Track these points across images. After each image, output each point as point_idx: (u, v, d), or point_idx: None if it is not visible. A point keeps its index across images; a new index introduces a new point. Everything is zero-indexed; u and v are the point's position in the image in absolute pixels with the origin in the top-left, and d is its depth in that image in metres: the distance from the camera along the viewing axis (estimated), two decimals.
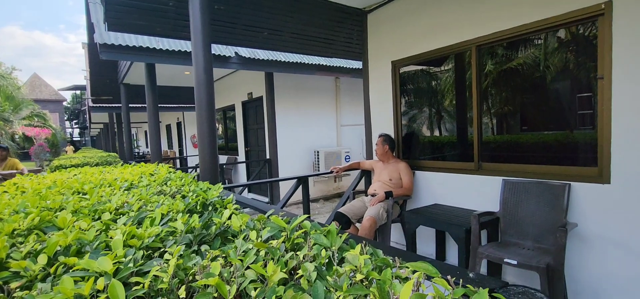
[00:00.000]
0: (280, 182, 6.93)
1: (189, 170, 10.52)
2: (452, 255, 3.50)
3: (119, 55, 4.96)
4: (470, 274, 1.05)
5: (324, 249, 0.95)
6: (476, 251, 2.66)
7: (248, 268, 0.85)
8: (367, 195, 3.86)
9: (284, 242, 1.08)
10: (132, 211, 1.54)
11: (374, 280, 0.75)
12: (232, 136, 9.39)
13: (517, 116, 3.52)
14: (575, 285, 2.59)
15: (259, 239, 1.07)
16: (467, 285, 0.70)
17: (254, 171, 7.95)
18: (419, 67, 4.11)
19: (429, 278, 0.80)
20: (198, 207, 1.62)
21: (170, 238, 1.18)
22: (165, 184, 2.40)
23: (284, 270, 0.83)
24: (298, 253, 0.93)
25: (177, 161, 13.47)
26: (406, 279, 0.79)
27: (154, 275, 0.82)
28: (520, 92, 3.36)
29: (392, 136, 3.98)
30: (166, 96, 10.39)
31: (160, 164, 3.80)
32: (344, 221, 3.52)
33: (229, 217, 1.32)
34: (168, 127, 16.95)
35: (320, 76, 7.36)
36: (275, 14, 3.95)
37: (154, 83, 5.90)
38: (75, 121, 46.30)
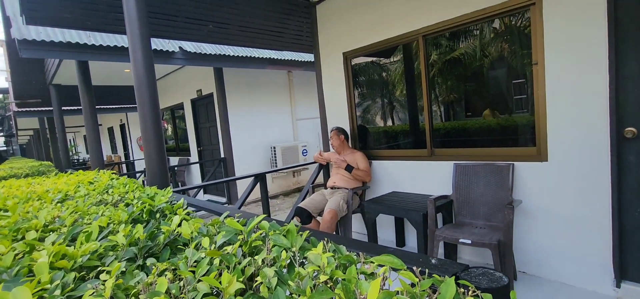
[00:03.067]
0: (237, 181, 6.71)
1: (137, 175, 9.84)
2: (412, 240, 3.62)
3: (43, 52, 4.42)
4: (433, 260, 1.04)
5: (284, 251, 0.89)
6: (434, 234, 2.76)
7: (200, 280, 0.76)
8: (326, 188, 3.84)
9: (241, 246, 1.01)
10: (65, 226, 1.36)
11: (339, 280, 0.71)
12: (182, 136, 8.91)
13: (462, 102, 3.71)
14: (522, 257, 2.79)
15: (213, 246, 0.98)
16: (433, 275, 0.68)
17: (209, 171, 7.62)
18: (370, 59, 4.16)
19: (394, 270, 0.77)
20: (144, 216, 1.48)
21: (111, 253, 1.05)
22: (107, 192, 2.18)
23: (241, 279, 0.76)
24: (256, 257, 0.86)
25: (123, 166, 12.53)
26: (372, 275, 0.75)
27: None
28: (463, 80, 3.54)
29: (347, 127, 4.00)
30: (106, 97, 9.57)
31: (101, 170, 3.47)
32: (305, 216, 3.48)
33: (179, 224, 1.21)
34: (110, 130, 15.70)
35: (272, 70, 7.21)
36: (220, 6, 3.75)
37: (89, 83, 5.38)
38: None
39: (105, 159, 15.21)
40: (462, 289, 0.65)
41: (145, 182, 6.92)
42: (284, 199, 7.49)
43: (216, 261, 0.86)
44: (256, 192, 3.97)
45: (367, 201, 3.53)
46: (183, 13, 3.73)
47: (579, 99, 2.38)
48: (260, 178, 3.80)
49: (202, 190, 8.08)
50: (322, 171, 4.32)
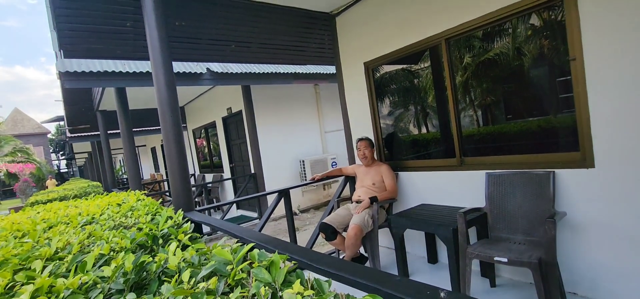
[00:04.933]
0: (267, 196, 6.74)
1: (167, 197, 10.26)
2: (444, 256, 3.38)
3: (83, 82, 4.76)
4: (441, 294, 0.91)
5: (263, 287, 0.81)
6: (465, 252, 2.53)
7: None
8: (351, 202, 3.72)
9: (226, 277, 0.94)
10: (71, 254, 1.38)
11: None
12: (216, 154, 9.19)
13: (500, 105, 3.43)
14: (571, 276, 2.48)
15: (194, 279, 0.92)
16: None
17: (240, 187, 7.75)
18: (398, 66, 4.01)
19: None
20: (149, 242, 1.46)
21: (99, 286, 1.02)
22: (127, 215, 2.23)
23: None
24: (231, 295, 0.79)
25: (165, 183, 13.17)
26: None
27: None
28: (501, 82, 3.27)
29: (372, 137, 3.86)
30: (148, 119, 10.14)
31: (133, 191, 3.61)
32: (330, 232, 3.37)
33: (174, 253, 1.17)
34: (153, 150, 16.62)
35: (298, 84, 7.24)
36: (240, 26, 3.81)
37: (126, 107, 5.70)
38: (61, 153, 45.33)
39: (148, 177, 16.10)
40: None
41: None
42: (314, 213, 7.41)
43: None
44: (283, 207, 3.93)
45: (394, 215, 3.35)
46: (205, 36, 3.84)
47: (626, 97, 2.09)
48: (284, 194, 3.75)
49: (235, 205, 8.23)
50: (348, 184, 4.19)
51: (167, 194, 11.60)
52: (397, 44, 3.44)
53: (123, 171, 24.38)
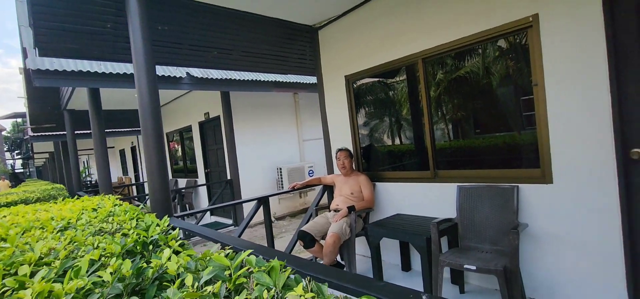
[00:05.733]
0: (244, 203, 6.71)
1: (147, 197, 9.96)
2: (417, 263, 3.53)
3: (55, 81, 4.58)
4: (424, 297, 1.01)
5: (265, 290, 0.88)
6: (438, 260, 2.69)
7: None
8: (330, 211, 3.81)
9: (226, 282, 0.99)
10: (58, 259, 1.37)
11: None
12: (190, 158, 9.02)
13: (470, 120, 3.66)
14: (531, 282, 2.69)
15: (197, 283, 0.97)
16: None
17: (216, 193, 7.65)
18: (375, 79, 4.18)
19: None
20: (138, 248, 1.48)
21: (97, 290, 1.04)
22: (107, 220, 2.20)
23: None
24: (237, 298, 0.85)
25: (133, 187, 12.71)
26: None
27: None
28: (470, 98, 3.50)
29: (351, 148, 3.99)
30: (118, 120, 9.81)
31: (107, 195, 3.51)
32: (308, 239, 3.44)
33: (169, 258, 1.20)
34: (122, 152, 16.00)
35: (278, 92, 7.30)
36: (223, 33, 3.85)
37: (99, 108, 5.52)
38: (17, 152, 42.48)
39: (116, 180, 15.44)
40: None
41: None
42: (290, 221, 7.44)
43: None
44: (261, 214, 3.95)
45: (371, 224, 3.48)
46: (188, 41, 3.84)
47: (581, 120, 2.33)
48: (263, 201, 3.79)
49: (209, 212, 8.10)
50: (325, 192, 4.29)
51: (136, 198, 11.20)
52: (378, 60, 3.61)
53: (86, 173, 23.22)
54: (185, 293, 0.87)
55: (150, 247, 1.46)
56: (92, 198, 3.51)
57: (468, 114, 3.59)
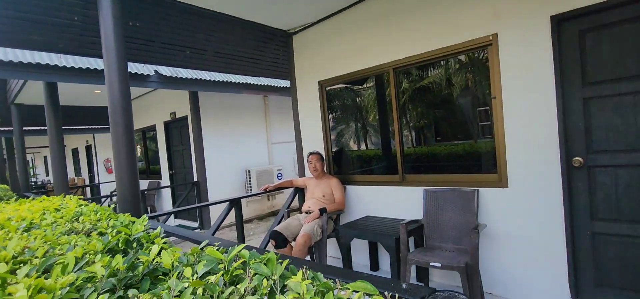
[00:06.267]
0: (214, 205, 6.58)
1: (103, 199, 9.41)
2: (385, 263, 3.69)
3: (9, 73, 4.25)
4: (403, 285, 1.13)
5: (264, 279, 0.94)
6: (406, 258, 2.85)
7: None
8: (301, 212, 3.88)
9: (222, 275, 1.04)
10: (36, 257, 1.33)
11: None
12: (153, 159, 8.68)
13: (432, 128, 3.91)
14: (489, 278, 2.93)
15: (195, 276, 1.01)
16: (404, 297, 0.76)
17: (181, 195, 7.43)
18: (345, 85, 4.33)
19: (368, 295, 0.85)
20: (120, 246, 1.47)
21: (89, 285, 1.05)
22: (77, 220, 2.12)
23: None
24: (239, 286, 0.91)
25: (87, 189, 11.93)
26: None
27: None
28: (433, 107, 3.75)
29: (322, 152, 4.10)
30: (73, 117, 9.18)
31: (67, 196, 3.33)
32: (280, 240, 3.49)
33: (158, 254, 1.22)
34: (75, 151, 14.98)
35: (248, 94, 7.26)
36: (197, 33, 3.81)
37: (57, 104, 5.19)
38: None
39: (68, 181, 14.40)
40: None
41: (117, 208, 6.61)
42: (258, 223, 7.40)
43: (199, 291, 0.90)
44: (230, 217, 3.93)
45: (342, 226, 3.60)
46: (160, 39, 3.75)
47: (533, 131, 2.61)
48: (235, 203, 3.78)
49: (173, 215, 7.84)
50: (297, 195, 4.36)
51: (99, 200, 10.53)
52: (351, 67, 3.75)
53: (32, 173, 21.42)
54: (189, 281, 0.91)
55: (134, 245, 1.46)
56: (51, 198, 3.32)
57: (430, 122, 3.84)
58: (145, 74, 5.38)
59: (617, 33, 2.29)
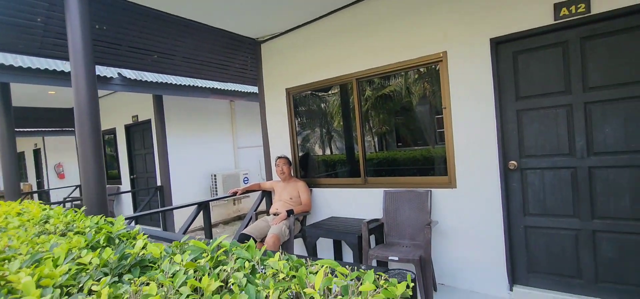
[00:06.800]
0: (174, 210, 6.49)
1: (53, 206, 8.87)
2: (349, 259, 3.93)
3: None
4: (363, 267, 1.34)
5: (246, 261, 1.11)
6: (367, 254, 3.10)
7: (182, 285, 0.95)
8: (269, 214, 4.02)
9: (208, 261, 1.20)
10: (20, 254, 1.39)
11: (294, 276, 0.96)
12: (111, 163, 8.36)
13: (393, 134, 4.22)
14: (441, 270, 3.26)
15: (183, 261, 1.16)
16: (360, 269, 0.97)
17: (143, 200, 7.24)
18: (311, 91, 4.54)
19: (333, 270, 1.05)
20: (103, 242, 1.56)
21: (83, 273, 1.16)
22: (46, 222, 2.13)
23: (217, 281, 0.96)
24: (225, 266, 1.07)
25: (35, 195, 11.14)
26: (316, 273, 1.01)
27: None
28: (394, 114, 4.06)
29: (289, 156, 4.28)
30: (21, 119, 8.61)
31: (25, 200, 3.23)
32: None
33: (144, 247, 1.35)
34: (21, 155, 13.90)
35: (214, 99, 7.27)
36: (166, 38, 3.86)
37: (9, 105, 4.93)
38: None
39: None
40: (377, 276, 0.95)
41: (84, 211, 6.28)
42: (224, 228, 7.39)
43: (190, 272, 1.05)
44: (196, 221, 3.99)
45: (308, 226, 3.79)
46: (126, 42, 3.76)
47: (477, 137, 2.97)
48: (203, 206, 3.85)
49: (134, 221, 7.59)
50: (264, 198, 4.49)
51: (63, 203, 9.85)
52: (317, 76, 3.98)
53: None
54: (181, 264, 1.06)
55: (117, 241, 1.55)
56: (9, 203, 3.20)
57: (391, 128, 4.15)
58: (108, 76, 5.26)
59: (542, 55, 2.71)
